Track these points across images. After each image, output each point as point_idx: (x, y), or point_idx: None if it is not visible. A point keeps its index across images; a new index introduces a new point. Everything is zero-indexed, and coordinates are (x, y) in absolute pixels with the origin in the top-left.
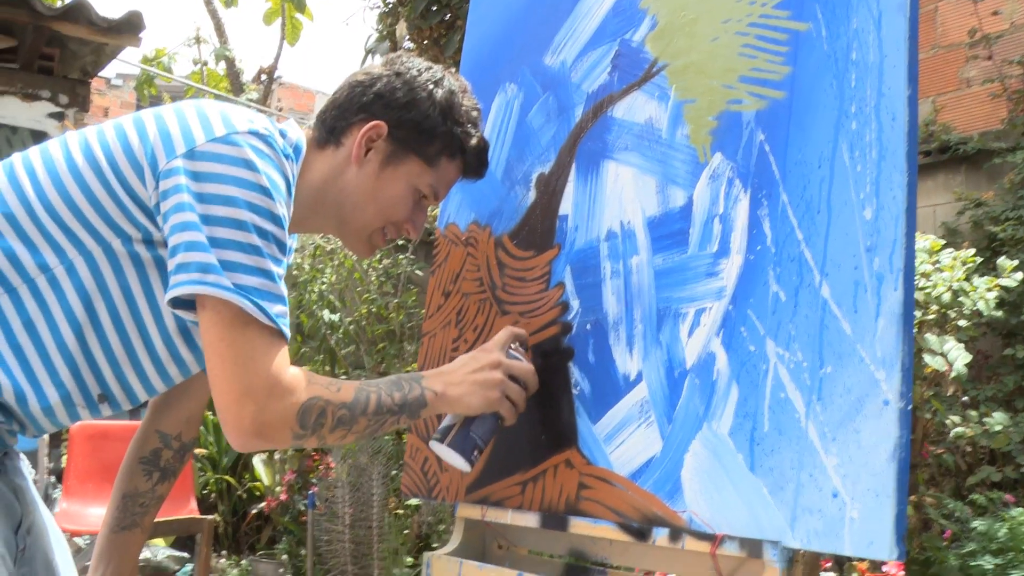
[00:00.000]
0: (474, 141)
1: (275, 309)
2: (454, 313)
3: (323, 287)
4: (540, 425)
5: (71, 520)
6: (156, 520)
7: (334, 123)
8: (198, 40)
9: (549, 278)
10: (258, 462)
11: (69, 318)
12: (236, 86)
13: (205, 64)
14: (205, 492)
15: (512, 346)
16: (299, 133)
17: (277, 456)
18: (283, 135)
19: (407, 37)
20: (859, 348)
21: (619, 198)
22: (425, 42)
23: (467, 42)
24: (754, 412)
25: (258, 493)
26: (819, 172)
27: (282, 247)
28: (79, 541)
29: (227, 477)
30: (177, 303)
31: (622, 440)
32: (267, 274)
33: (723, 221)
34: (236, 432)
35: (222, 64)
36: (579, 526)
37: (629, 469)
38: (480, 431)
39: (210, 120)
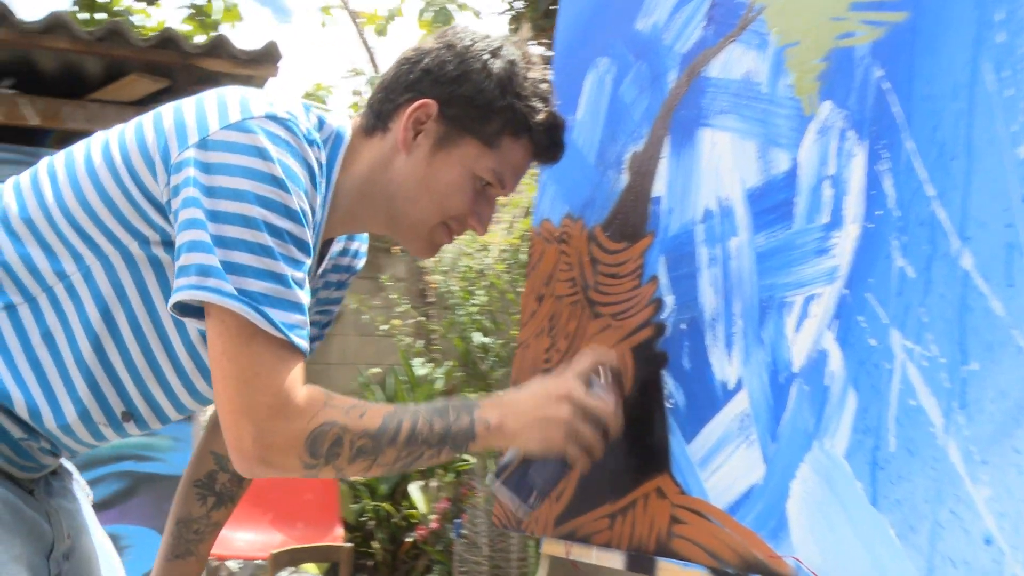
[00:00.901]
0: (541, 116)
1: (286, 318)
2: (546, 319)
3: (474, 309)
4: (631, 446)
5: (219, 544)
6: (298, 546)
7: (381, 106)
8: (356, 72)
9: (642, 272)
10: (414, 489)
11: (87, 328)
12: None
13: (359, 94)
14: (363, 519)
15: (597, 375)
16: (343, 121)
17: (434, 484)
18: (321, 122)
19: (529, 39)
20: (1016, 336)
21: (716, 170)
22: (548, 41)
23: (560, 21)
24: (876, 426)
25: (414, 521)
26: (954, 106)
27: (302, 246)
28: (231, 565)
29: (384, 504)
30: (186, 310)
31: (719, 463)
32: (278, 278)
33: (835, 184)
34: (237, 456)
35: None
36: (668, 569)
37: (727, 500)
38: (541, 474)
39: (227, 106)
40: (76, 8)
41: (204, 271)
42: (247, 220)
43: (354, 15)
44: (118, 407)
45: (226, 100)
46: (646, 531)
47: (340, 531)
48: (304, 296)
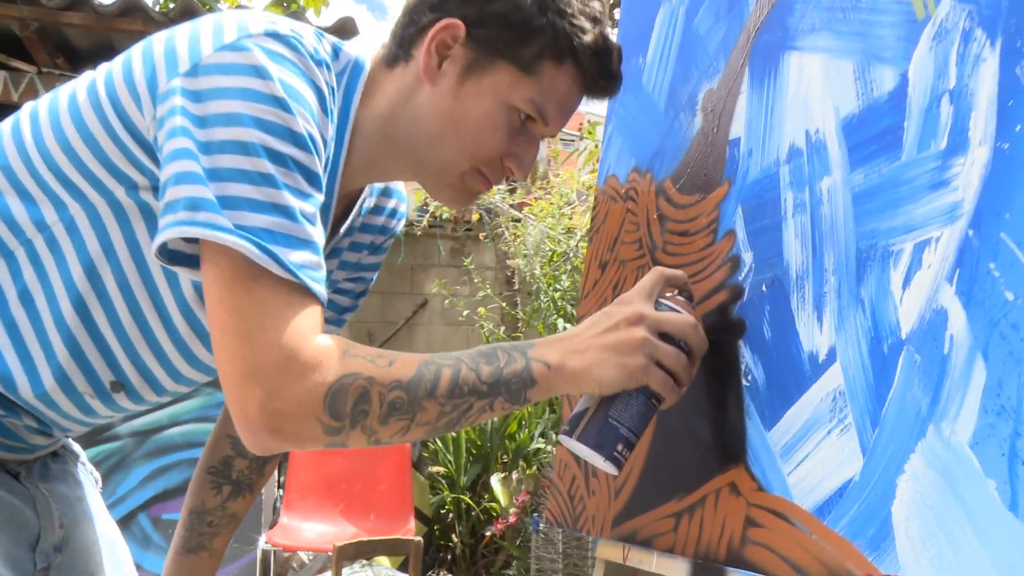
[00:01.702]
0: (589, 38)
1: (295, 256)
2: (610, 288)
3: (556, 295)
4: (700, 431)
5: (287, 536)
6: (370, 538)
7: (403, 31)
8: None
9: (717, 226)
10: (495, 481)
11: (68, 286)
12: None
13: None
14: (443, 512)
15: (667, 295)
16: (363, 51)
17: (515, 476)
18: (336, 50)
19: None
20: None
21: (804, 100)
22: None
23: None
24: (1015, 406)
25: (495, 514)
26: None
27: (311, 177)
28: (303, 556)
29: (464, 497)
30: (176, 258)
31: (806, 453)
32: (283, 211)
33: (955, 99)
34: (244, 427)
35: None
36: None
37: (814, 499)
38: (625, 416)
39: (223, 28)
40: None
41: (194, 204)
42: (243, 146)
43: None
44: (106, 376)
45: (222, 22)
46: (716, 535)
47: (412, 524)
48: (317, 233)
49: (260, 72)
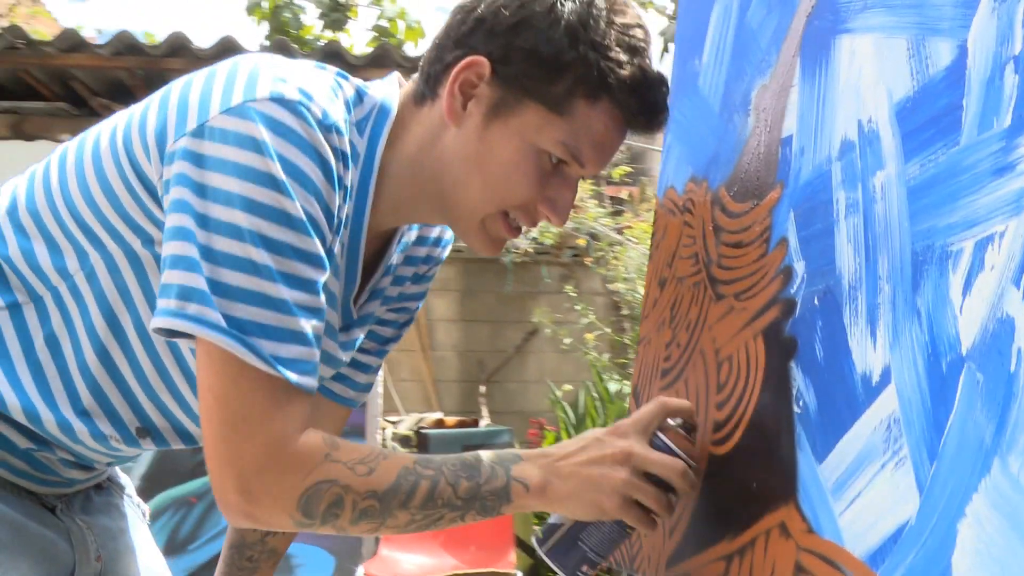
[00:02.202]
0: (626, 72)
1: (282, 351)
2: (668, 308)
3: None
4: (751, 464)
5: (385, 568)
6: (469, 571)
7: (430, 68)
8: None
9: (770, 235)
10: None
11: (91, 333)
12: None
13: None
14: None
15: (665, 427)
16: (390, 91)
17: None
18: (360, 95)
19: None
20: None
21: (855, 87)
22: None
23: None
24: None
25: None
26: None
27: (311, 260)
28: None
29: None
30: (175, 332)
31: (859, 491)
32: (274, 304)
33: (1020, 67)
34: (223, 507)
35: None
36: None
37: (867, 545)
38: (593, 540)
39: (235, 83)
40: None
41: (185, 294)
42: (238, 231)
43: None
44: (131, 422)
45: (236, 74)
46: None
47: (513, 556)
48: (313, 323)
49: (259, 147)
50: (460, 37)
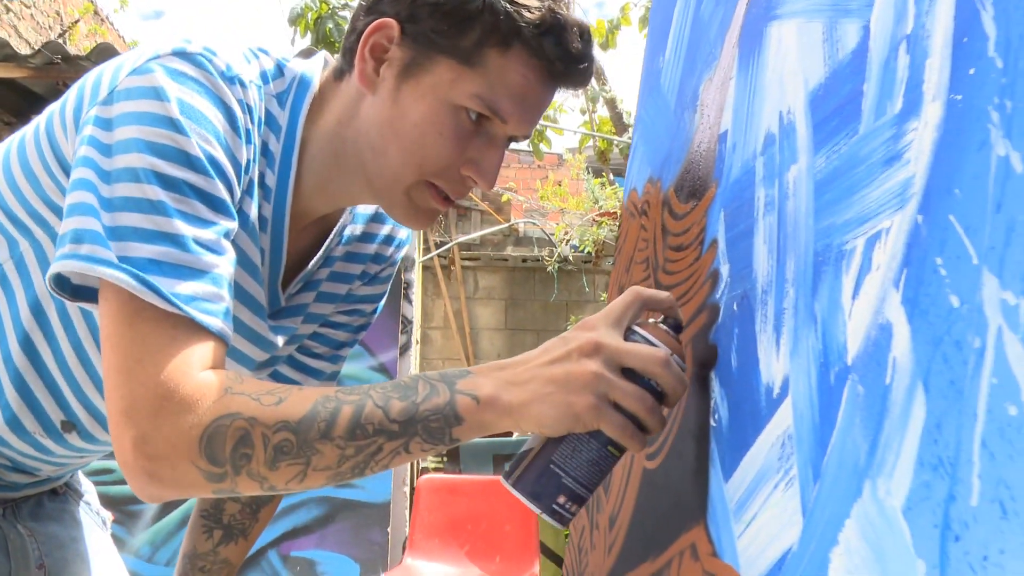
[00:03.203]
0: (536, 14)
1: (183, 288)
2: None
3: None
4: (672, 480)
5: None
6: None
7: (346, 41)
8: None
9: (704, 237)
10: None
11: (16, 323)
12: (620, 127)
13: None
14: None
15: (642, 322)
16: (311, 66)
17: None
18: (280, 66)
19: None
20: None
21: (780, 76)
22: None
23: None
24: (953, 457)
25: None
26: None
27: (213, 203)
28: None
29: None
30: (79, 293)
31: (755, 512)
32: (173, 240)
33: (912, 46)
34: (123, 470)
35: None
36: None
37: (756, 572)
38: (571, 463)
39: (145, 51)
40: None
41: (78, 237)
42: (134, 172)
43: None
44: (56, 415)
45: (146, 48)
46: None
47: (537, 567)
48: (219, 261)
49: (158, 93)
50: (371, 4)
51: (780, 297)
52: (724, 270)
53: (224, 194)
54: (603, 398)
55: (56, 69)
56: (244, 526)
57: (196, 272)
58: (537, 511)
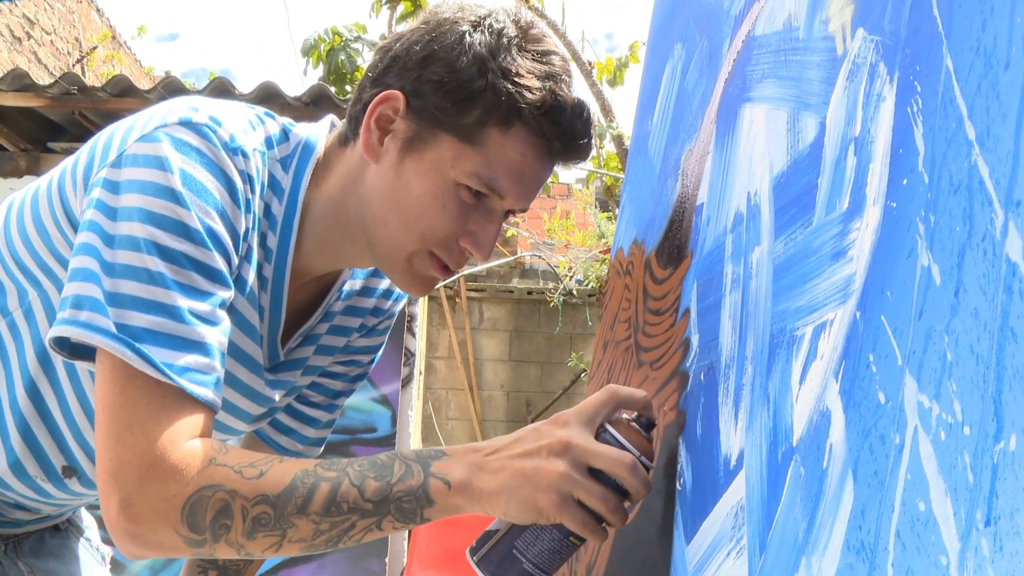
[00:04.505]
0: (535, 96)
1: (174, 359)
2: (606, 371)
3: None
4: (641, 539)
5: None
6: None
7: (352, 109)
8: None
9: (679, 305)
10: None
11: (23, 372)
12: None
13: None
14: None
15: (615, 420)
16: (316, 130)
17: None
18: (286, 132)
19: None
20: None
21: (749, 157)
22: None
23: (654, 9)
24: (873, 544)
25: None
26: None
27: (210, 273)
28: None
29: None
30: (77, 352)
31: None
32: (168, 311)
33: (859, 148)
34: (110, 531)
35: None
36: None
37: None
38: (532, 551)
39: (152, 117)
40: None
41: (78, 303)
42: (135, 242)
43: (587, 66)
44: (57, 460)
45: (157, 110)
46: None
47: None
48: (213, 333)
49: (162, 164)
50: (377, 76)
51: (740, 373)
52: (695, 340)
53: (221, 265)
54: (567, 496)
55: (73, 99)
56: (238, 567)
57: (189, 343)
58: None
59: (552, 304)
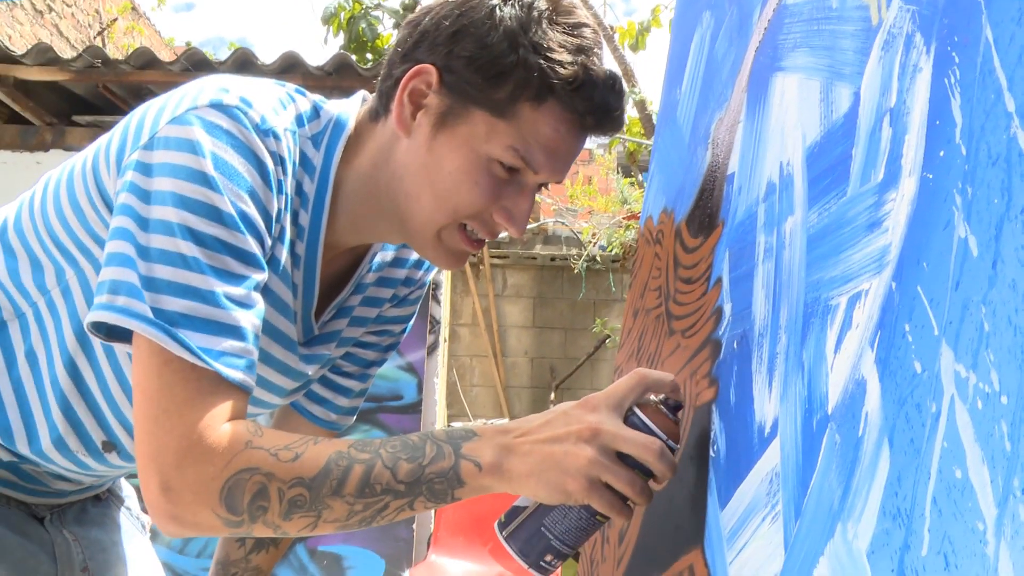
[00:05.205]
0: (568, 71)
1: (210, 343)
2: (637, 339)
3: None
4: (674, 504)
5: (432, 573)
6: None
7: (382, 85)
8: None
9: (710, 274)
10: None
11: (62, 349)
12: (649, 128)
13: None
14: None
15: (643, 402)
16: (348, 107)
17: None
18: (317, 109)
19: None
20: None
21: (782, 127)
22: None
23: None
24: (909, 510)
25: None
26: None
27: (244, 257)
28: None
29: None
30: (114, 334)
31: (745, 541)
32: (202, 296)
33: (895, 119)
34: (150, 510)
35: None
36: None
37: None
38: (560, 527)
39: (185, 96)
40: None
41: (115, 288)
42: (168, 227)
43: (608, 31)
44: (97, 435)
45: (188, 90)
46: None
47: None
48: (247, 316)
49: (194, 147)
50: (407, 51)
51: (774, 342)
52: (727, 308)
53: (255, 248)
54: (595, 480)
55: (96, 72)
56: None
57: (225, 327)
58: (525, 566)
59: (576, 270)
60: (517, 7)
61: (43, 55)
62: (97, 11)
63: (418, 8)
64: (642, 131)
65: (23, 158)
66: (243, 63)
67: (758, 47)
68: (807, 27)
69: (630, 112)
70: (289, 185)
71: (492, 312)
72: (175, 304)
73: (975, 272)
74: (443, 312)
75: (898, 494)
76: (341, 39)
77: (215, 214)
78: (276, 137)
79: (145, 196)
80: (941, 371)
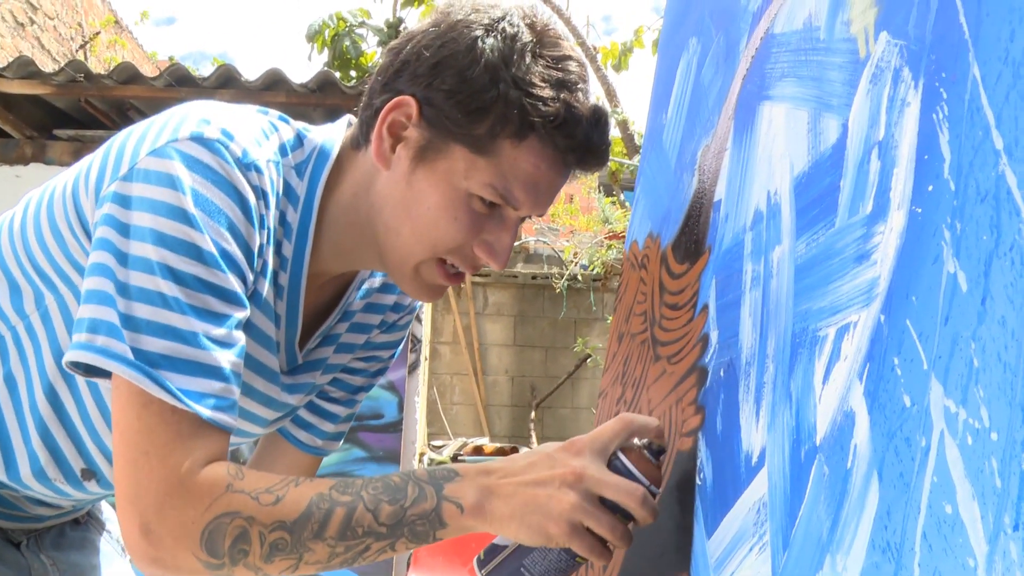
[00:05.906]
0: (550, 108)
1: (191, 384)
2: (621, 363)
3: None
4: (661, 531)
5: None
6: None
7: (363, 113)
8: None
9: (696, 300)
10: None
11: (41, 374)
12: (630, 148)
13: None
14: None
15: (628, 447)
16: (332, 134)
17: None
18: (300, 137)
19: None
20: None
21: (769, 156)
22: None
23: (668, 2)
24: (899, 544)
25: None
26: None
27: (225, 296)
28: None
29: None
30: (92, 371)
31: (732, 571)
32: (183, 336)
33: (883, 152)
34: (130, 551)
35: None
36: None
37: None
38: (538, 568)
39: (166, 127)
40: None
41: (95, 327)
42: (148, 264)
43: (591, 51)
44: (77, 463)
45: (169, 119)
46: None
47: None
48: (228, 355)
49: (174, 183)
50: (387, 80)
51: (761, 371)
52: (713, 336)
53: (236, 286)
54: (577, 525)
55: (79, 86)
56: None
57: (205, 368)
58: None
59: (557, 290)
60: (500, 39)
61: (24, 68)
62: (80, 24)
63: (402, 31)
64: (624, 151)
65: (2, 171)
66: (227, 79)
67: (745, 75)
68: (795, 57)
69: (612, 132)
70: (272, 217)
71: (473, 330)
72: (155, 345)
73: (964, 307)
74: (424, 330)
75: (888, 528)
76: (325, 56)
77: (195, 252)
78: (258, 170)
79: (124, 230)
80: (931, 405)
